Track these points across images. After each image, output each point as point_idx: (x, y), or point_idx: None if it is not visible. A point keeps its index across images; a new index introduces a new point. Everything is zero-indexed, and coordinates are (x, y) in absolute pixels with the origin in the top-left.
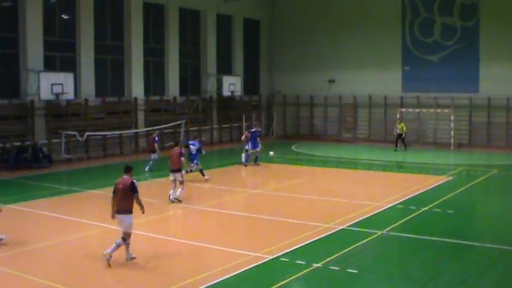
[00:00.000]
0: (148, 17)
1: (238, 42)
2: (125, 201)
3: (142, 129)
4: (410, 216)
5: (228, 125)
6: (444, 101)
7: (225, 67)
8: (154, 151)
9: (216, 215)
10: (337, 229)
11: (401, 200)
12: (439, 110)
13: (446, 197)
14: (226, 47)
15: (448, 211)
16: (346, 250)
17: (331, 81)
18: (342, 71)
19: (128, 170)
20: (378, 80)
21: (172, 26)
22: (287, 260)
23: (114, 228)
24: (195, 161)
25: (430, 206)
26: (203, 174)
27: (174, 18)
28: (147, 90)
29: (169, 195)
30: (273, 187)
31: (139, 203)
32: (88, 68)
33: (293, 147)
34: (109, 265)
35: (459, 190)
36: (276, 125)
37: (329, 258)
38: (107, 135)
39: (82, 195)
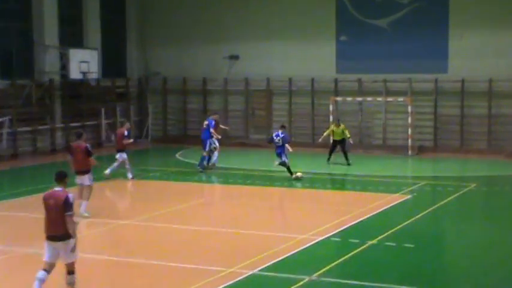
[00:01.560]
0: None
1: None
2: (59, 223)
3: None
4: (351, 253)
5: (78, 124)
6: (398, 85)
7: (73, 36)
8: (123, 149)
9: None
10: (244, 275)
11: (338, 230)
12: (390, 99)
13: (402, 225)
14: (75, 5)
15: (406, 245)
16: None
17: (234, 57)
18: (250, 44)
19: (60, 177)
20: (301, 56)
21: None
22: None
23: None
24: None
25: (380, 238)
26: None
27: None
28: None
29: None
30: (149, 215)
31: (72, 227)
32: None
33: (178, 156)
34: None
35: (421, 214)
36: (153, 122)
37: None
38: None
39: None
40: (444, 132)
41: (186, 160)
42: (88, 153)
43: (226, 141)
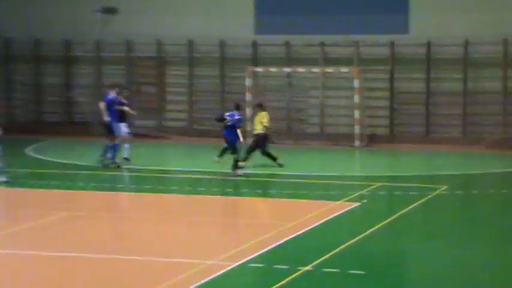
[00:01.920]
0: None
1: None
2: None
3: None
4: (278, 284)
5: None
6: (340, 50)
7: None
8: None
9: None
10: None
11: (259, 253)
12: (330, 70)
13: (347, 244)
14: None
15: (352, 272)
16: None
17: (109, 11)
18: None
19: None
20: (205, 10)
21: None
22: None
23: None
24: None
25: (317, 262)
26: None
27: None
28: None
29: None
30: None
31: None
32: None
33: (29, 151)
34: None
35: (372, 229)
36: None
37: None
38: None
39: None
40: (404, 116)
41: (42, 157)
42: None
43: (99, 129)
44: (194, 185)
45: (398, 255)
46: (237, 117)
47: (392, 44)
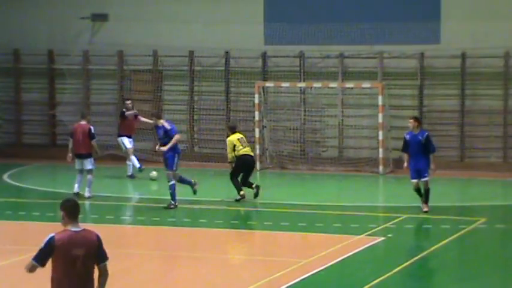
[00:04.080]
0: None
1: None
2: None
3: None
4: None
5: None
6: (362, 62)
7: None
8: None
9: None
10: None
11: None
12: (350, 85)
13: (369, 286)
14: None
15: None
16: None
17: (100, 18)
18: None
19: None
20: (209, 17)
21: None
22: None
23: None
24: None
25: None
26: None
27: None
28: None
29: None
30: None
31: None
32: None
33: (6, 177)
34: None
35: (398, 268)
36: None
37: None
38: None
39: None
40: (435, 138)
41: (21, 184)
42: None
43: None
44: (194, 217)
45: None
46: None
47: (421, 56)
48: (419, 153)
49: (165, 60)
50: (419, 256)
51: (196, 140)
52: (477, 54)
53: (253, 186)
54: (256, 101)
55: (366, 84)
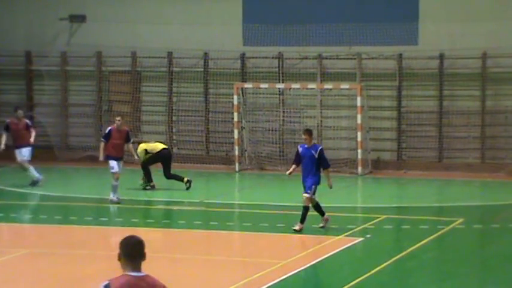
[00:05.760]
0: None
1: None
2: None
3: None
4: None
5: None
6: (341, 63)
7: None
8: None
9: None
10: None
11: None
12: (328, 86)
13: (347, 286)
14: None
15: None
16: None
17: (77, 18)
18: None
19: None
20: (187, 18)
21: None
22: None
23: None
24: None
25: None
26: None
27: None
28: None
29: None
30: None
31: None
32: None
33: None
34: None
35: (378, 268)
36: None
37: None
38: None
39: None
40: (413, 139)
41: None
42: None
43: (69, 154)
44: (171, 217)
45: None
46: None
47: (399, 57)
48: (309, 167)
49: (143, 61)
50: (398, 256)
51: (175, 141)
52: (455, 55)
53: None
54: (235, 102)
55: (345, 85)
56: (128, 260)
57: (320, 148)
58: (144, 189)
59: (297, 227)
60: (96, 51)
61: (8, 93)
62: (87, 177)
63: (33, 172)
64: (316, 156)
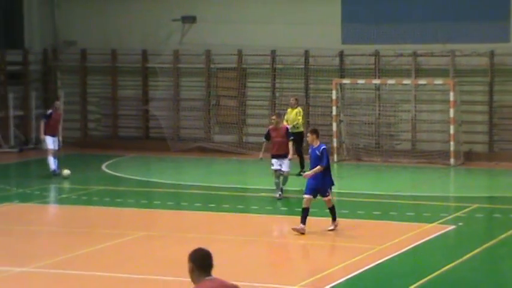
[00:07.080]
0: None
1: None
2: None
3: None
4: None
5: None
6: (434, 60)
7: None
8: None
9: None
10: None
11: (346, 278)
12: (423, 82)
13: (440, 271)
14: None
15: None
16: None
17: (189, 20)
18: (211, 0)
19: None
20: (290, 19)
21: None
22: None
23: None
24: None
25: None
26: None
27: None
28: None
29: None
30: (59, 258)
31: None
32: None
33: (104, 167)
34: None
35: (469, 255)
36: (65, 117)
37: None
38: None
39: None
40: (504, 132)
41: (118, 174)
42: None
43: (180, 145)
44: (275, 205)
45: (498, 285)
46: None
47: (492, 54)
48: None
49: (248, 59)
50: (489, 244)
51: None
52: None
53: None
54: (334, 97)
55: (438, 81)
56: (202, 271)
57: (323, 147)
58: (299, 174)
59: (332, 227)
60: (206, 50)
61: (126, 88)
62: (196, 167)
63: (51, 163)
64: (319, 155)
